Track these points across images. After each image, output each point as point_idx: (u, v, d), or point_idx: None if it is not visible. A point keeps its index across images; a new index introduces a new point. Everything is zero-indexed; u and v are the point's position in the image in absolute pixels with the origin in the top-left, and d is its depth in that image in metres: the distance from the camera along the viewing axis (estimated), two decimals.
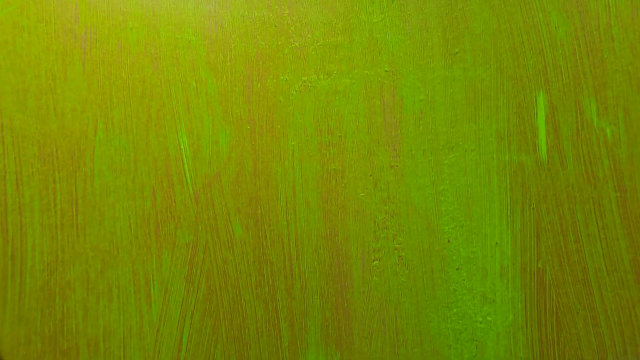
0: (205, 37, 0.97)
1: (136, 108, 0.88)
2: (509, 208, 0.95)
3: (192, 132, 0.93)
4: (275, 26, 1.02)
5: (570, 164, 0.90)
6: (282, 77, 1.02)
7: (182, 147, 0.92)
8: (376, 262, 1.00)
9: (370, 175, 1.02)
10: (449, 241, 0.98)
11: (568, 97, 0.91)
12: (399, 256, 0.99)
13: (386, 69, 1.04)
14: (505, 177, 0.96)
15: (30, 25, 0.75)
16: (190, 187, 0.91)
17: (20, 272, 0.67)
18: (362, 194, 1.02)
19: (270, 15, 1.02)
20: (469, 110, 1.00)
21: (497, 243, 0.95)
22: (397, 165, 1.02)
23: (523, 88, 0.96)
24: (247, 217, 0.95)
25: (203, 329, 0.87)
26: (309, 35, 1.04)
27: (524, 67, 0.96)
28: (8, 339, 0.62)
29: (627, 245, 0.83)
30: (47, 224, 0.72)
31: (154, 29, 0.92)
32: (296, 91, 1.02)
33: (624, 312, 0.82)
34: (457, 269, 0.97)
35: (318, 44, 1.04)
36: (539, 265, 0.91)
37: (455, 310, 0.96)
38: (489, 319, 0.93)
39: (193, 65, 0.95)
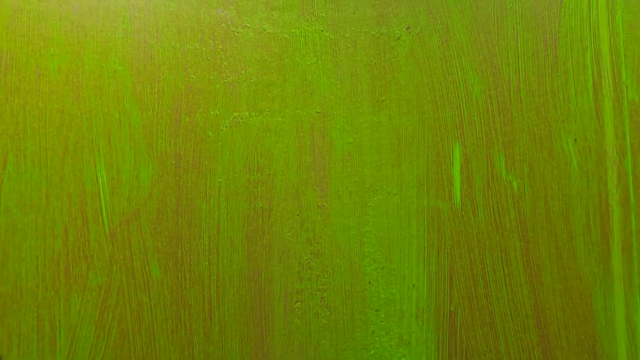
0: (132, 67, 0.96)
1: (52, 140, 0.85)
2: (426, 251, 1.03)
3: (112, 166, 0.92)
4: (207, 60, 1.04)
5: (481, 212, 0.99)
6: (212, 112, 1.04)
7: (99, 182, 0.90)
8: (298, 303, 1.03)
9: (298, 215, 1.06)
10: (370, 282, 1.04)
11: (481, 150, 1.01)
12: (322, 297, 1.03)
13: (317, 110, 1.10)
14: (423, 221, 1.04)
15: None
16: (106, 225, 0.90)
17: None
18: (288, 234, 1.05)
19: (203, 49, 1.04)
20: (392, 155, 1.08)
21: (414, 285, 1.02)
22: (324, 206, 1.07)
23: (441, 138, 1.05)
24: (166, 257, 0.95)
25: None
26: (242, 71, 1.07)
27: (442, 119, 1.05)
28: None
29: (528, 292, 0.93)
30: None
31: (77, 57, 0.90)
32: (226, 127, 1.04)
33: (524, 355, 0.92)
34: (376, 310, 1.02)
35: (251, 80, 1.07)
36: (452, 308, 0.99)
37: (372, 352, 1.01)
38: None
39: (117, 96, 0.94)
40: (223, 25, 1.06)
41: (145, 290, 0.92)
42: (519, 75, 0.98)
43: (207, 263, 0.99)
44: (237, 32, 1.07)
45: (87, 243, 0.87)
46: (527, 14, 0.98)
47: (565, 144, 0.91)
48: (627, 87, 0.84)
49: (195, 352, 0.94)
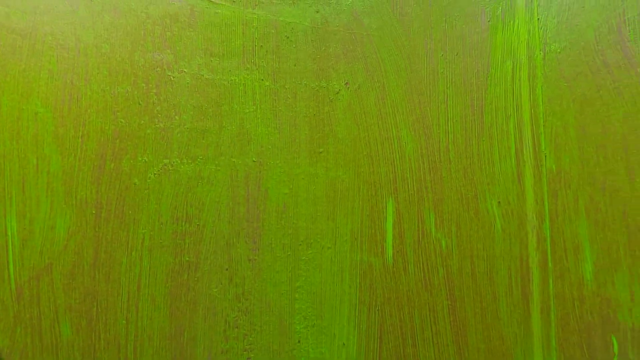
0: (56, 109, 0.93)
1: None
2: (357, 308, 1.04)
3: (24, 216, 0.87)
4: (139, 104, 1.03)
5: (411, 269, 1.03)
6: (140, 159, 1.02)
7: (9, 233, 0.85)
8: None
9: (227, 269, 1.04)
10: (299, 341, 1.03)
11: (412, 207, 1.06)
12: (248, 358, 1.01)
13: (254, 159, 1.11)
14: (355, 276, 1.06)
15: None
16: (13, 282, 0.84)
17: None
18: (215, 290, 1.03)
19: (135, 92, 1.03)
20: (328, 208, 1.10)
21: (344, 344, 1.03)
22: (255, 259, 1.06)
23: (376, 193, 1.08)
24: (80, 316, 0.90)
25: None
26: (176, 117, 1.06)
27: (377, 174, 1.09)
28: None
29: (454, 352, 0.96)
30: None
31: None
32: (155, 174, 1.03)
33: None
34: None
35: (185, 126, 1.07)
36: None
37: None
38: None
39: (37, 140, 0.91)
40: (158, 69, 1.06)
41: (53, 353, 0.87)
42: (449, 136, 1.05)
43: (124, 322, 0.95)
44: (173, 77, 1.07)
45: None
46: (456, 80, 1.05)
47: (489, 206, 0.97)
48: (545, 156, 0.92)
49: None
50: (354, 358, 1.02)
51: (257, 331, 1.03)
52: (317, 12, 1.18)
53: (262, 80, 1.14)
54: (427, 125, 1.07)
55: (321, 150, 1.13)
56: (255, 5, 1.16)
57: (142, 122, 1.03)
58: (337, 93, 1.14)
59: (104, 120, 0.99)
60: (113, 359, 0.93)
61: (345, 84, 1.14)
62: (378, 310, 1.03)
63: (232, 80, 1.12)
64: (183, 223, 1.03)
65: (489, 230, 0.96)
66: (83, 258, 0.92)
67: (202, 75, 1.10)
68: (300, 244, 1.09)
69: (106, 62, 1.00)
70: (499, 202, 0.96)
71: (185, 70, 1.09)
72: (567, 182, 0.89)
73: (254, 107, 1.13)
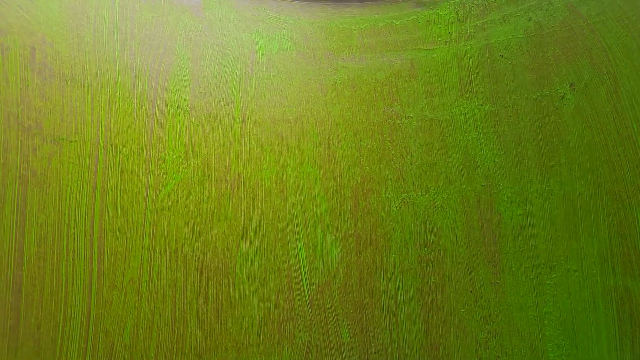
0: (320, 168, 1.24)
1: (267, 229, 1.19)
2: (618, 340, 0.88)
3: (309, 246, 1.19)
4: (378, 152, 1.23)
5: None
6: (383, 195, 1.20)
7: (300, 258, 1.18)
8: None
9: (471, 291, 1.08)
10: None
11: None
12: None
13: (482, 183, 1.11)
14: (611, 304, 0.90)
15: (199, 179, 1.16)
16: (306, 293, 1.16)
17: (180, 354, 1.02)
18: (462, 310, 1.08)
19: (374, 143, 1.23)
20: (568, 226, 0.98)
21: None
22: (497, 282, 1.06)
23: (623, 205, 0.90)
24: (354, 323, 1.14)
25: None
26: (408, 157, 1.20)
27: (621, 181, 0.90)
28: None
29: None
30: (201, 319, 1.06)
31: (282, 168, 1.24)
32: (396, 207, 1.19)
33: None
34: None
35: (416, 163, 1.19)
36: None
37: None
38: None
39: (311, 192, 1.23)
40: (389, 120, 1.23)
41: (338, 351, 1.13)
42: None
43: (388, 332, 1.13)
44: (402, 124, 1.22)
45: (293, 307, 1.15)
46: None
47: None
48: None
49: None
50: None
51: (509, 354, 1.02)
52: (530, 19, 1.09)
53: (482, 105, 1.14)
54: None
55: (552, 163, 1.02)
56: (468, 37, 1.18)
57: (382, 165, 1.22)
58: (562, 98, 1.02)
59: (353, 169, 1.23)
60: None
61: (570, 86, 1.01)
62: None
63: (452, 112, 1.17)
64: (425, 248, 1.14)
65: None
66: (351, 277, 1.17)
67: (426, 115, 1.20)
68: (543, 267, 1.01)
69: (350, 125, 1.25)
70: None
71: (411, 115, 1.22)
72: None
73: (477, 133, 1.14)
